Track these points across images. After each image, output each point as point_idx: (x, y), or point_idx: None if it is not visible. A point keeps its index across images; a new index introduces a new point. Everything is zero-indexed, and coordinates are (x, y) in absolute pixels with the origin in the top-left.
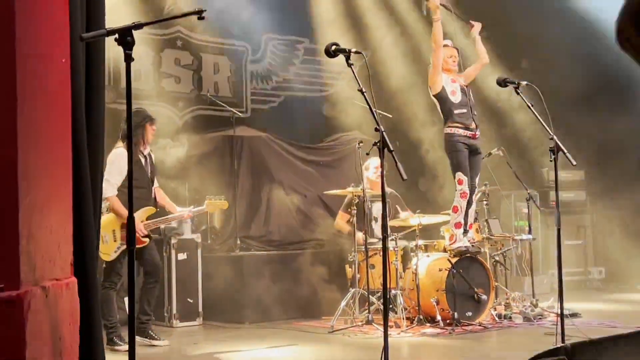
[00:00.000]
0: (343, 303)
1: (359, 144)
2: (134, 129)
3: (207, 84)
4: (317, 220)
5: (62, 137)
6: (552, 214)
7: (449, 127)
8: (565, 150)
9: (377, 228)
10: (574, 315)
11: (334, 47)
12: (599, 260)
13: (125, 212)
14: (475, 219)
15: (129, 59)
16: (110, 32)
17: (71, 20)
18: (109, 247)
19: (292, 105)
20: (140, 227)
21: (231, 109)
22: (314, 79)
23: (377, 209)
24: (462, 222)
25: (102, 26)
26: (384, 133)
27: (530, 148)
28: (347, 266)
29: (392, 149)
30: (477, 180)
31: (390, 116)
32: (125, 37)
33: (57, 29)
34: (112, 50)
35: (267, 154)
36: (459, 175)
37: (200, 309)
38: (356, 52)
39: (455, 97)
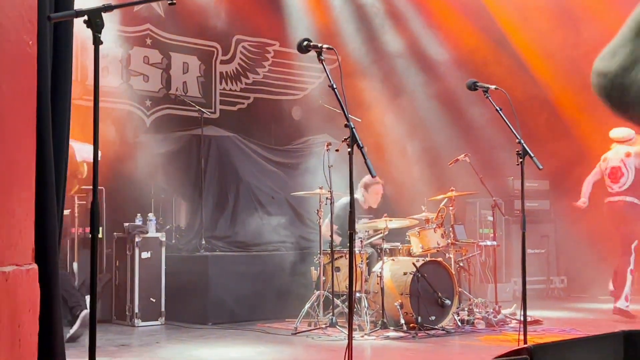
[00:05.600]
0: (307, 305)
1: (327, 146)
2: None
3: (176, 83)
4: (283, 222)
5: (27, 122)
6: (517, 223)
7: None
8: (532, 154)
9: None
10: (535, 322)
11: (305, 43)
12: (561, 269)
13: None
14: (441, 225)
15: (97, 41)
16: (80, 13)
17: (39, 3)
18: None
19: (261, 107)
20: None
21: (199, 107)
22: (283, 82)
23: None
24: None
25: (71, 8)
26: (354, 129)
27: (497, 156)
28: (312, 268)
29: (362, 145)
30: None
31: (360, 120)
32: (95, 18)
33: (24, 11)
34: (80, 45)
35: (235, 154)
36: None
37: (162, 309)
38: (328, 48)
39: None
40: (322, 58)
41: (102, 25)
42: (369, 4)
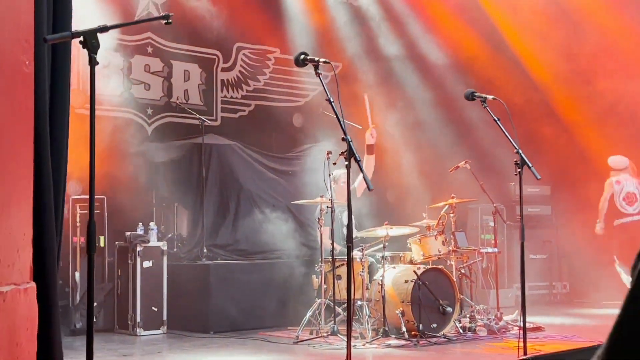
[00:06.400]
0: (309, 313)
1: (327, 154)
2: None
3: (177, 91)
4: (284, 230)
5: (24, 142)
6: (518, 228)
7: None
8: (530, 164)
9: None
10: (537, 328)
11: (303, 56)
12: (563, 274)
13: None
14: (442, 232)
15: (93, 62)
16: (75, 35)
17: (36, 22)
18: None
19: (262, 115)
20: None
21: (200, 116)
22: (284, 89)
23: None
24: None
25: (68, 28)
26: (351, 143)
27: (499, 162)
28: (313, 276)
29: (359, 158)
30: None
31: (360, 127)
32: (90, 39)
33: (21, 31)
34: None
35: (236, 162)
36: None
37: (164, 318)
38: (325, 62)
39: None
40: (320, 72)
41: (97, 46)
42: (369, 10)
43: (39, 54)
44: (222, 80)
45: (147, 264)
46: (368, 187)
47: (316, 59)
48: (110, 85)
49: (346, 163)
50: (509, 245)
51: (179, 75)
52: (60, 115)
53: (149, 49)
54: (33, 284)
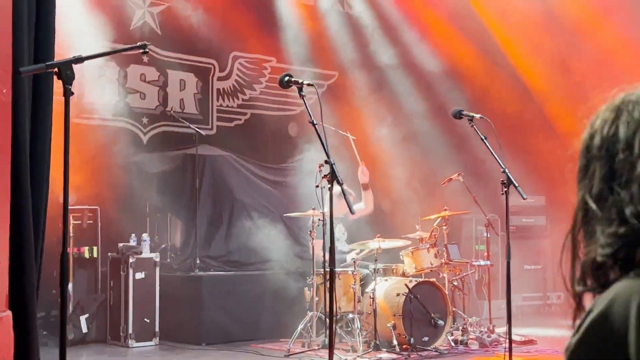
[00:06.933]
0: (300, 326)
1: (319, 167)
2: None
3: (173, 100)
4: (277, 241)
5: (1, 171)
6: (513, 239)
7: None
8: (517, 184)
9: (340, 246)
10: (529, 342)
11: (287, 78)
12: (558, 285)
13: None
14: (434, 244)
15: (67, 93)
16: (50, 66)
17: (15, 51)
18: None
19: (258, 123)
20: None
21: (193, 127)
22: (280, 98)
23: (338, 229)
24: None
25: (51, 56)
26: (333, 166)
27: (493, 172)
28: (305, 289)
29: (341, 182)
30: None
31: (355, 137)
32: (65, 71)
33: None
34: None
35: (230, 173)
36: None
37: (157, 329)
38: (309, 85)
39: None
40: (303, 94)
41: (72, 77)
42: (364, 19)
43: (18, 82)
44: (218, 89)
45: (140, 275)
46: (350, 211)
47: (300, 81)
48: (106, 94)
49: (329, 186)
50: (503, 255)
51: (175, 84)
52: (42, 142)
53: (145, 58)
54: (9, 313)
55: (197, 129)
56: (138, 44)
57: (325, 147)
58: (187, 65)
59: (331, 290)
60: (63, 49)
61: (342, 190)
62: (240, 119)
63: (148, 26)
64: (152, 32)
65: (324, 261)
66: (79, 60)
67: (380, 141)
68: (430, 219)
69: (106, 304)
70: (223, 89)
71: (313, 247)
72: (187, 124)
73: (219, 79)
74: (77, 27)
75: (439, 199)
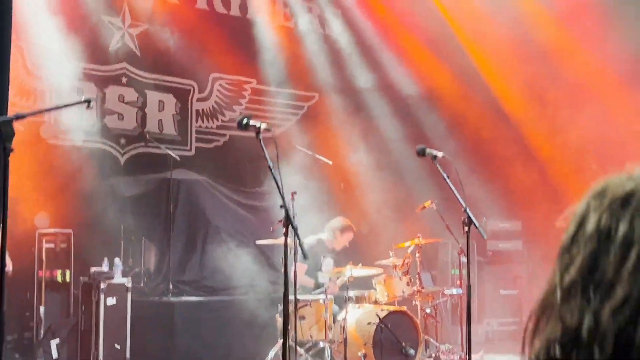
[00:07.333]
0: (271, 354)
1: (292, 195)
2: None
3: (151, 121)
4: (251, 267)
5: None
6: (489, 264)
7: None
8: (477, 224)
9: (320, 277)
10: None
11: (245, 121)
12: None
13: None
14: (407, 272)
15: (7, 152)
16: None
17: None
18: None
19: (237, 145)
20: None
21: (169, 151)
22: (259, 120)
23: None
24: None
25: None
26: (288, 211)
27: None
28: (277, 315)
29: (296, 227)
30: None
31: (331, 162)
32: (5, 128)
33: None
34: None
35: (204, 198)
36: None
37: (127, 356)
38: (266, 130)
39: None
40: (260, 138)
41: (12, 135)
42: (341, 41)
43: None
44: (197, 111)
45: (111, 300)
46: (304, 256)
47: (257, 125)
48: (83, 115)
49: (284, 231)
50: (479, 281)
51: (154, 105)
52: None
53: (124, 79)
54: None
55: (172, 153)
56: (82, 99)
57: (281, 191)
58: (166, 87)
59: (284, 328)
60: (38, 69)
61: (296, 234)
62: (219, 140)
63: (127, 47)
64: (131, 53)
65: (295, 288)
66: (20, 117)
67: (356, 166)
68: (403, 246)
69: (77, 329)
70: (202, 110)
71: (295, 271)
72: (163, 147)
73: (199, 100)
74: (56, 49)
75: (414, 224)
